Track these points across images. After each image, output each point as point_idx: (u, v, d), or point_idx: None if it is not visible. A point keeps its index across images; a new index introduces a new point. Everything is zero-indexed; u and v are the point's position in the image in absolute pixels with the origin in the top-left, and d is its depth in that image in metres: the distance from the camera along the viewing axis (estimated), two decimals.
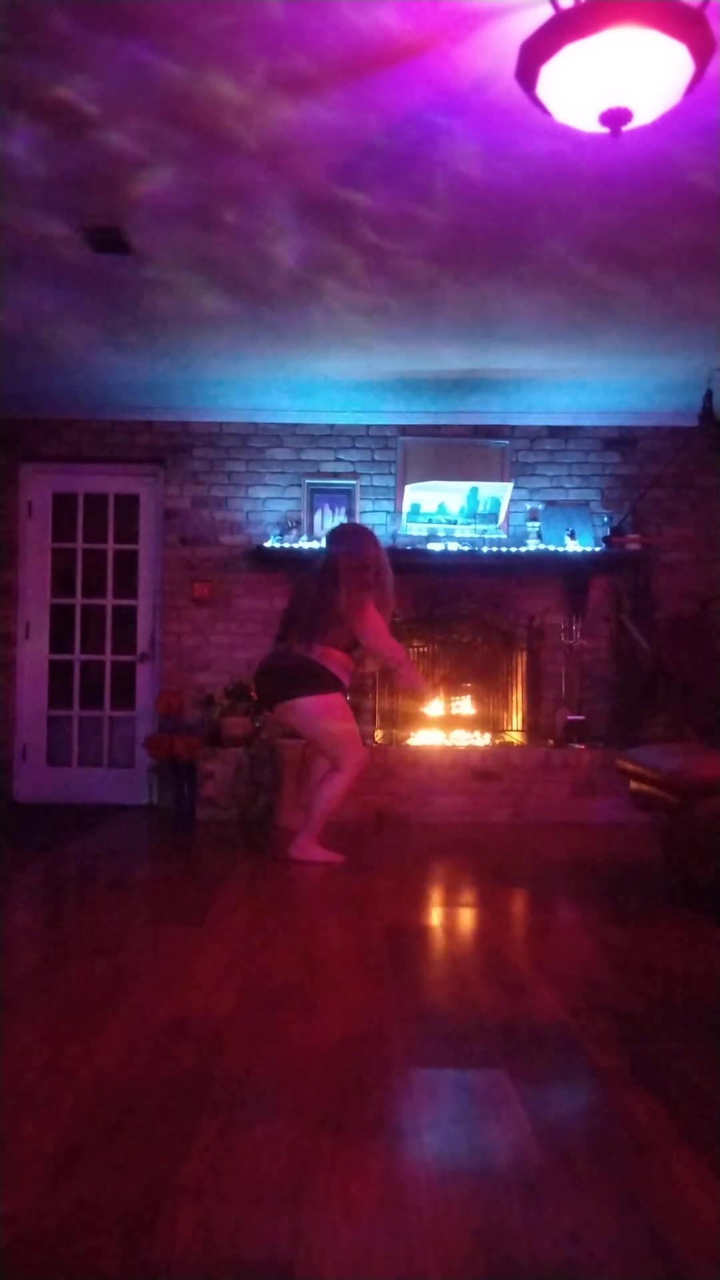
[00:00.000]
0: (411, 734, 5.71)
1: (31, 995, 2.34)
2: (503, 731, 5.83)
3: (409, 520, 5.71)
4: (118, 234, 3.63)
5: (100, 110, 2.87)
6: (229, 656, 5.85)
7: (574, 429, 5.96)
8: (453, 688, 5.87)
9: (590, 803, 5.22)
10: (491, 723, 5.83)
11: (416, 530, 5.70)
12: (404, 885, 3.67)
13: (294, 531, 5.78)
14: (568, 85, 2.34)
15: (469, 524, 5.72)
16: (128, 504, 6.07)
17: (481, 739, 5.67)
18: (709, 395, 5.00)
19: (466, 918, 3.30)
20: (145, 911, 3.37)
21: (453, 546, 5.60)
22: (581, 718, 5.61)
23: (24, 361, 5.08)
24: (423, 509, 5.70)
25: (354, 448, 5.96)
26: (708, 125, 2.87)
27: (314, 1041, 2.04)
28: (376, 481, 5.93)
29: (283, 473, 5.94)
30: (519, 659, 5.88)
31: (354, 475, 5.92)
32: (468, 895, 3.65)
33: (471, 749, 5.44)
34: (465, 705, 5.86)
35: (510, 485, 5.73)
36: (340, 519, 5.75)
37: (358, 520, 5.71)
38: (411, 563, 5.38)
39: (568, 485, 5.97)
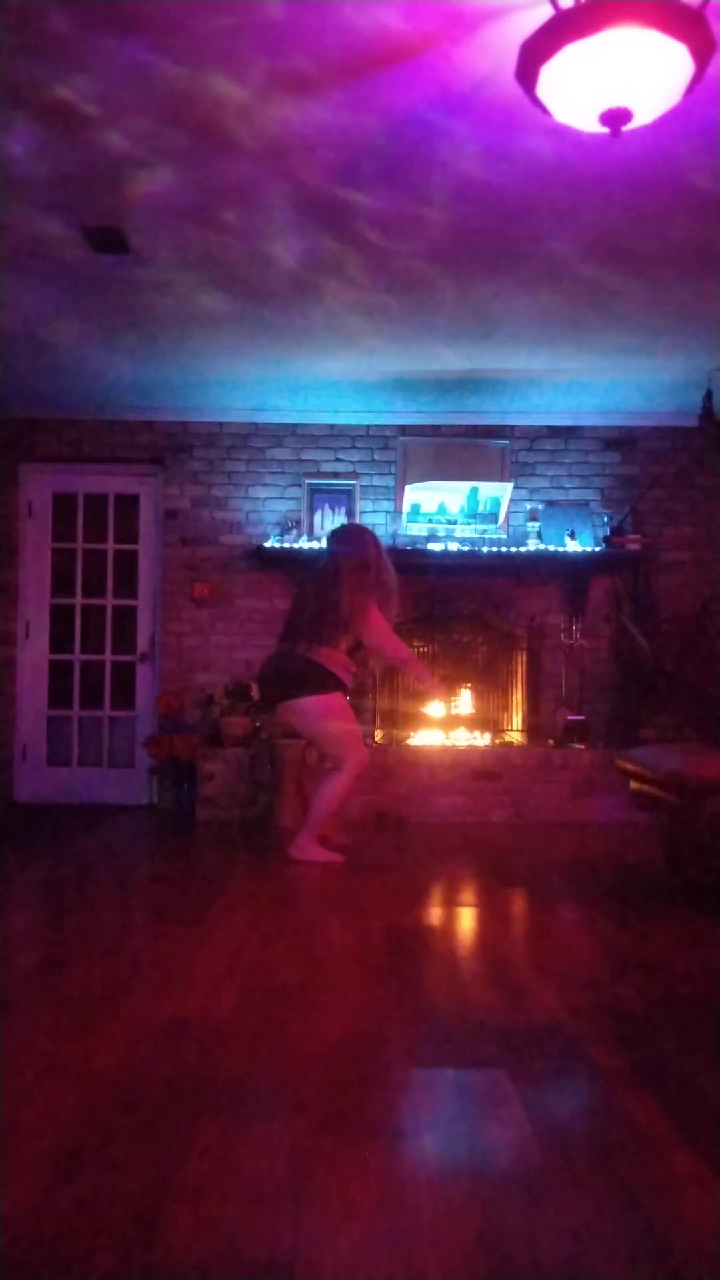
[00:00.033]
0: (411, 734, 5.71)
1: (31, 995, 2.34)
2: (503, 731, 5.83)
3: (409, 520, 5.71)
4: (118, 234, 3.63)
5: (100, 110, 2.86)
6: (229, 656, 5.85)
7: (574, 429, 5.96)
8: (453, 688, 5.87)
9: (590, 803, 5.22)
10: (491, 723, 5.83)
11: (416, 530, 5.70)
12: (404, 885, 3.67)
13: (294, 531, 5.78)
14: (568, 85, 2.34)
15: (469, 524, 5.72)
16: (128, 504, 6.07)
17: (481, 739, 5.67)
18: (709, 395, 5.00)
19: (466, 918, 3.30)
20: (145, 911, 3.37)
21: (453, 546, 5.60)
22: (581, 718, 5.61)
23: (24, 361, 5.08)
24: (423, 509, 5.70)
25: (354, 448, 5.96)
26: (708, 125, 2.87)
27: (314, 1041, 2.04)
28: (376, 481, 5.93)
29: (283, 473, 5.94)
30: (519, 659, 5.88)
31: (354, 475, 5.91)
32: (468, 895, 3.65)
33: (471, 749, 5.44)
34: (465, 705, 5.86)
35: (510, 485, 5.73)
36: (340, 519, 5.75)
37: (358, 520, 5.71)
38: (411, 563, 5.38)
39: (568, 485, 5.97)
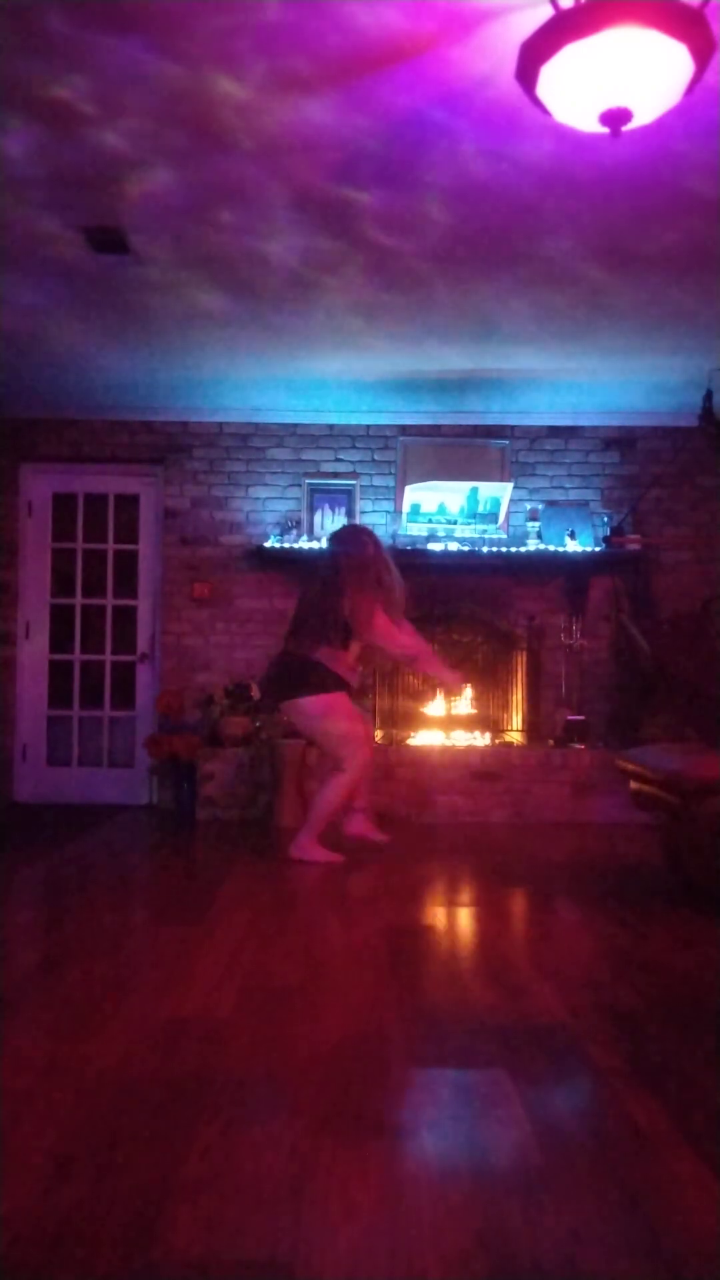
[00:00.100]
0: (411, 734, 5.71)
1: (31, 995, 2.34)
2: (503, 731, 5.83)
3: (409, 520, 5.71)
4: (117, 233, 3.63)
5: (99, 110, 2.86)
6: (229, 656, 5.85)
7: (574, 429, 5.96)
8: (450, 689, 5.86)
9: (590, 803, 5.22)
10: (491, 723, 5.82)
11: (417, 530, 5.70)
12: (404, 885, 3.67)
13: (294, 531, 5.78)
14: (568, 85, 2.34)
15: (469, 524, 5.72)
16: (128, 504, 6.07)
17: (481, 739, 5.67)
18: (709, 395, 5.01)
19: (466, 918, 3.30)
20: (145, 911, 3.38)
21: (453, 546, 5.60)
22: (581, 718, 5.61)
23: (24, 361, 5.08)
24: (423, 509, 5.70)
25: (354, 448, 5.96)
26: (708, 125, 2.87)
27: (314, 1041, 2.04)
28: (376, 481, 5.93)
29: (283, 473, 5.94)
30: (519, 659, 5.88)
31: (354, 475, 5.91)
32: (468, 895, 3.65)
33: (471, 749, 5.44)
34: (465, 705, 5.86)
35: (510, 485, 5.73)
36: (340, 519, 5.75)
37: (358, 521, 5.71)
38: (411, 563, 5.37)
39: (568, 485, 5.97)
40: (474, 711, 5.84)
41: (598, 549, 5.68)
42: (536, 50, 2.28)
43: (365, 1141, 1.59)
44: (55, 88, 2.75)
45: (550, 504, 5.87)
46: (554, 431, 5.96)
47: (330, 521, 5.72)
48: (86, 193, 3.35)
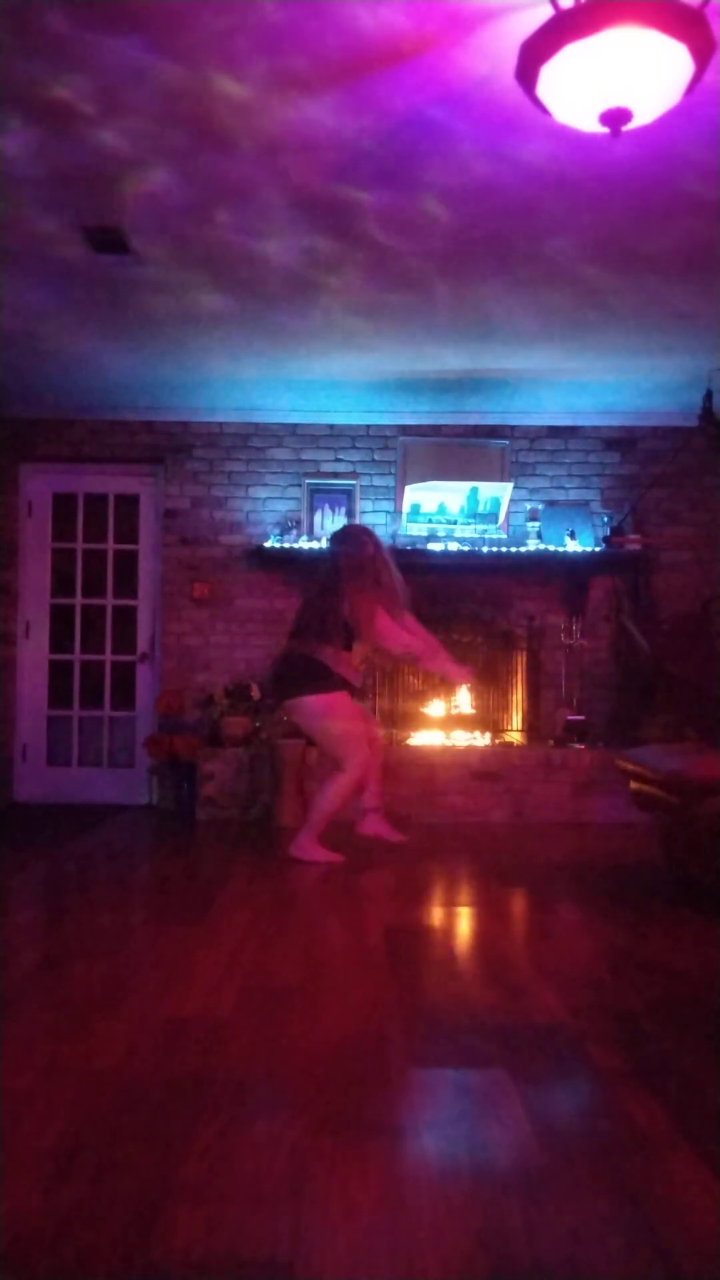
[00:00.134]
0: (411, 734, 5.71)
1: (31, 995, 2.34)
2: (503, 731, 5.82)
3: (409, 520, 5.71)
4: (117, 233, 3.63)
5: (98, 109, 2.86)
6: (229, 656, 5.85)
7: (574, 429, 5.96)
8: (451, 687, 5.86)
9: (590, 803, 5.22)
10: (491, 723, 5.82)
11: (416, 530, 5.70)
12: (404, 885, 3.67)
13: (294, 531, 5.78)
14: (568, 85, 2.34)
15: (469, 524, 5.72)
16: (128, 504, 6.07)
17: (481, 739, 5.67)
18: (709, 395, 5.00)
19: (466, 918, 3.30)
20: (145, 911, 3.38)
21: (453, 546, 5.60)
22: (581, 718, 5.61)
23: (24, 361, 5.08)
24: (423, 509, 5.70)
25: (354, 448, 5.96)
26: (708, 125, 2.87)
27: (314, 1041, 2.04)
28: (376, 481, 5.93)
29: (283, 473, 5.94)
30: (519, 659, 5.88)
31: (354, 475, 5.91)
32: (468, 895, 3.65)
33: (471, 749, 5.44)
34: (465, 705, 5.86)
35: (510, 485, 5.73)
36: (340, 519, 5.75)
37: (358, 521, 5.71)
38: (411, 563, 5.36)
39: (568, 485, 5.97)
40: (474, 711, 5.84)
41: (598, 549, 5.68)
42: (536, 50, 2.28)
43: (365, 1141, 1.59)
44: (55, 88, 2.75)
45: (550, 504, 5.87)
46: (554, 431, 5.96)
47: (330, 521, 5.72)
48: (86, 193, 3.35)
